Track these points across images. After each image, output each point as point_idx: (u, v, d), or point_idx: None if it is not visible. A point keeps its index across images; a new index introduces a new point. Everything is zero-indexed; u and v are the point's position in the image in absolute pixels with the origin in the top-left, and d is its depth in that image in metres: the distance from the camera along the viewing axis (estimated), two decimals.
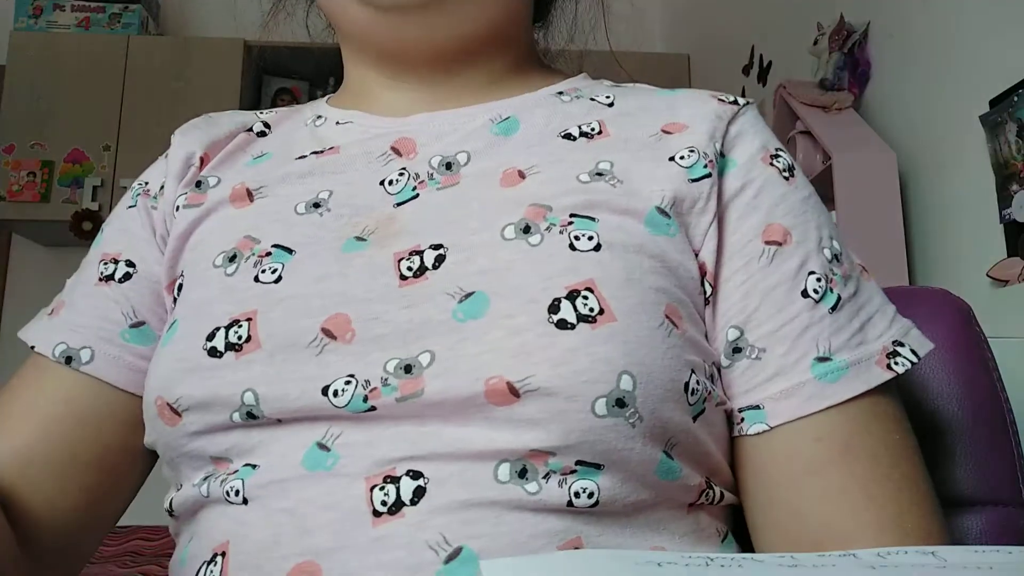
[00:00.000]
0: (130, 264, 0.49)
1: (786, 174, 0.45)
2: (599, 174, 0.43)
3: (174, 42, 2.74)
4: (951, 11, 1.61)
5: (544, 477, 0.36)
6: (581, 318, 0.36)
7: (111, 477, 0.47)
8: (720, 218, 0.43)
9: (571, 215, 0.41)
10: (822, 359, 0.40)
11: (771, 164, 0.45)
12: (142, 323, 0.48)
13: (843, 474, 0.39)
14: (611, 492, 0.37)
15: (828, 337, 0.40)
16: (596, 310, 0.37)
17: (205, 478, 0.41)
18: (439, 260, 0.40)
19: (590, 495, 0.36)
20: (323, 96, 0.56)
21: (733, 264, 0.42)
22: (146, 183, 0.53)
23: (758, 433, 0.40)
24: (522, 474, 0.36)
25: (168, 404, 0.41)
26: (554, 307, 0.37)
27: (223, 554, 0.38)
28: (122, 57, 2.61)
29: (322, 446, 0.38)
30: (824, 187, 1.76)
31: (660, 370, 0.37)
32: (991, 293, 1.48)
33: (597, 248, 0.39)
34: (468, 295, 0.38)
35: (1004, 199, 1.47)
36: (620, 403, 0.36)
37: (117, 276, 0.49)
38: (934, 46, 1.66)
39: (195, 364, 0.40)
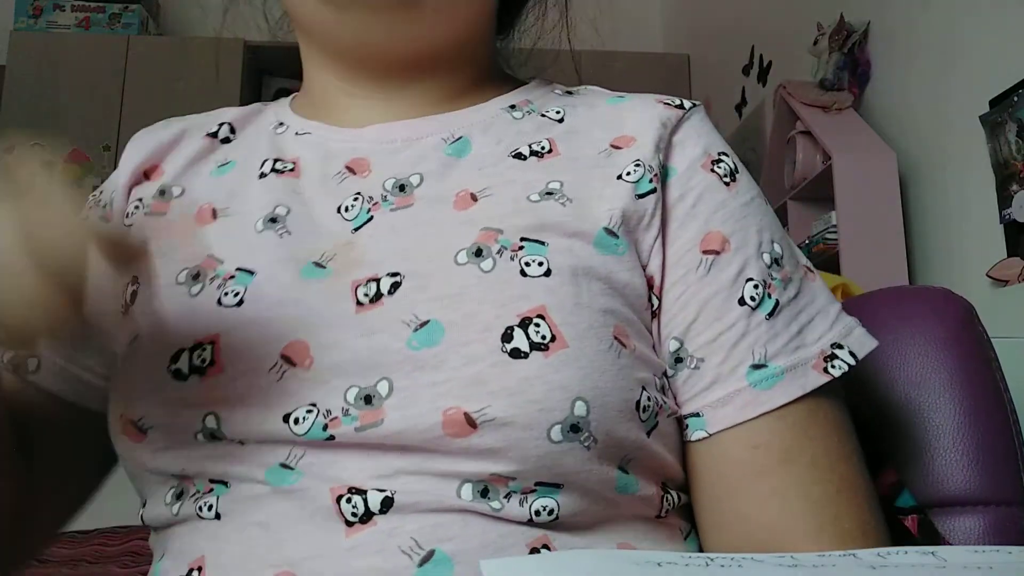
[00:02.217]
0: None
1: (726, 179, 0.45)
2: (549, 193, 0.43)
3: (174, 42, 2.74)
4: (951, 11, 1.61)
5: (505, 496, 0.37)
6: (534, 346, 0.37)
7: (67, 489, 0.49)
8: (663, 230, 0.43)
9: (522, 239, 0.41)
10: (757, 366, 0.41)
11: (712, 170, 0.45)
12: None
13: (782, 478, 0.40)
14: (571, 508, 0.38)
15: (764, 344, 0.41)
16: (548, 337, 0.38)
17: (177, 496, 0.41)
18: (395, 287, 0.40)
19: (550, 512, 0.37)
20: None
21: (673, 275, 0.43)
22: (100, 192, 0.53)
23: (700, 439, 0.41)
24: (484, 493, 0.37)
25: (132, 421, 0.41)
26: (507, 335, 0.37)
27: (199, 568, 0.39)
28: (122, 57, 2.61)
29: (285, 466, 0.38)
30: (824, 187, 1.76)
31: (612, 391, 0.38)
32: (991, 293, 1.48)
33: (547, 274, 0.40)
34: (423, 323, 0.38)
35: (1004, 199, 1.47)
36: (575, 428, 0.37)
37: None
38: (934, 46, 1.66)
39: (159, 384, 0.40)
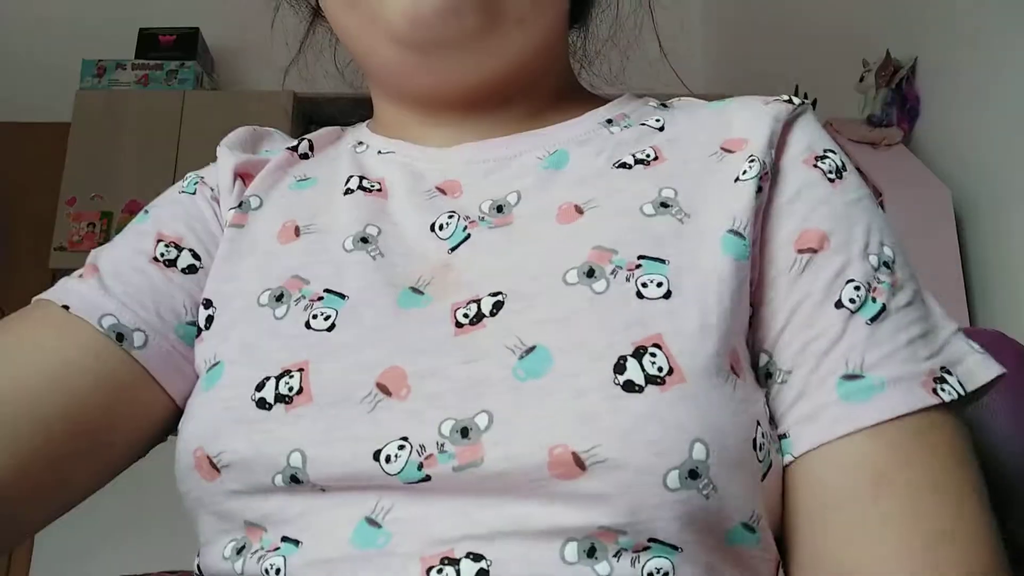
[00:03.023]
0: (195, 256, 0.46)
1: (831, 175, 0.41)
2: (664, 204, 0.40)
3: (227, 96, 2.85)
4: (999, 43, 1.58)
5: (615, 556, 0.33)
6: (649, 379, 0.34)
7: (92, 455, 0.42)
8: (761, 232, 0.40)
9: (639, 256, 0.38)
10: (851, 376, 0.35)
11: (815, 166, 0.41)
12: (195, 323, 0.45)
13: (871, 510, 0.34)
14: (688, 572, 0.34)
15: (862, 352, 0.36)
16: (665, 369, 0.34)
17: (239, 550, 0.38)
18: (497, 306, 0.37)
19: (665, 575, 0.33)
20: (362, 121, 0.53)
21: (766, 280, 0.39)
22: (201, 177, 0.50)
23: (787, 465, 0.36)
24: (591, 553, 0.33)
25: (208, 457, 0.38)
26: (620, 366, 0.34)
27: None
28: (178, 111, 2.72)
29: (372, 522, 0.35)
30: None
31: (731, 432, 0.34)
32: None
33: (667, 295, 0.36)
34: (529, 350, 0.35)
35: None
36: (693, 474, 0.33)
37: (181, 265, 0.46)
38: (984, 79, 1.63)
39: (242, 415, 0.38)
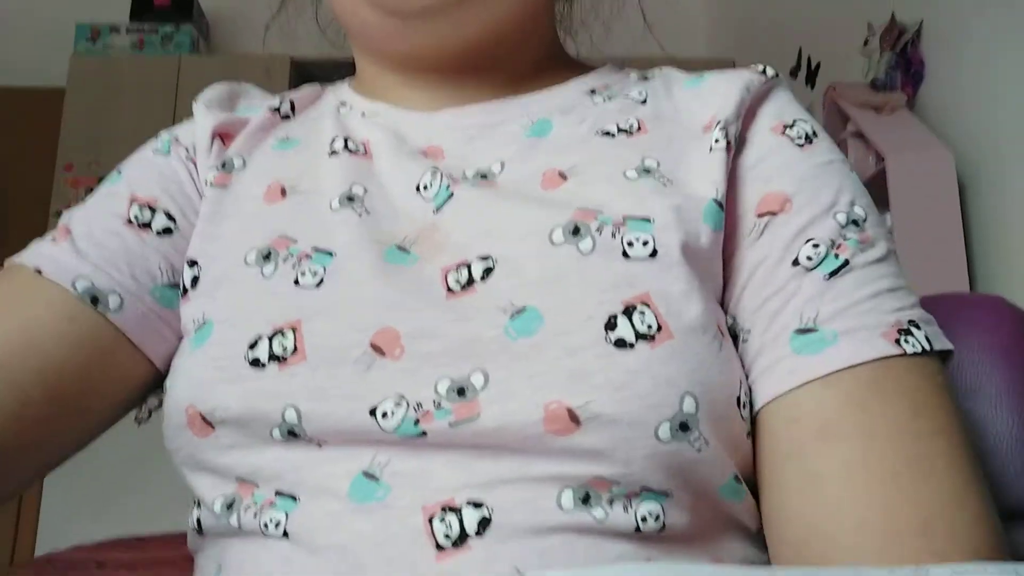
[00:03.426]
0: (170, 217, 0.46)
1: (799, 141, 0.41)
2: (646, 171, 0.40)
3: (223, 60, 2.81)
4: (1005, 7, 1.56)
5: (608, 502, 0.34)
6: (640, 336, 0.34)
7: (69, 419, 0.42)
8: (727, 199, 0.40)
9: (624, 216, 0.38)
10: (804, 330, 0.36)
11: (783, 134, 0.41)
12: (172, 285, 0.45)
13: (818, 459, 0.34)
14: (678, 515, 0.35)
15: (817, 306, 0.36)
16: (654, 327, 0.35)
17: (229, 505, 0.38)
18: (487, 272, 0.38)
19: (656, 518, 0.34)
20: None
21: (729, 245, 0.39)
22: (176, 137, 0.49)
23: (753, 419, 0.37)
24: (585, 500, 0.34)
25: (200, 414, 0.38)
26: (611, 324, 0.35)
27: None
28: (174, 76, 2.69)
29: (369, 475, 0.35)
30: (878, 190, 1.71)
31: (718, 387, 0.35)
32: None
33: (653, 254, 0.37)
34: (520, 310, 0.36)
35: None
36: (684, 426, 0.34)
37: (156, 227, 0.45)
38: (990, 43, 1.61)
39: (235, 374, 0.38)
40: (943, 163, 1.67)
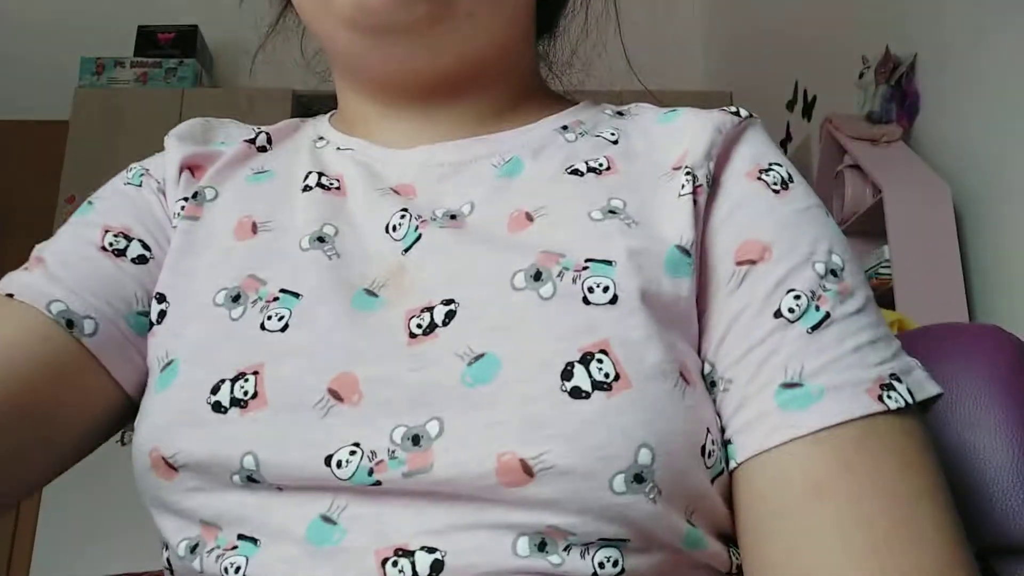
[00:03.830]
0: (145, 246, 0.45)
1: (776, 187, 0.41)
2: (612, 211, 0.40)
3: (226, 93, 2.85)
4: (998, 39, 1.58)
5: (564, 549, 0.34)
6: (596, 385, 0.34)
7: (39, 437, 0.41)
8: (701, 244, 0.40)
9: (586, 259, 0.38)
10: (789, 385, 0.36)
11: (759, 179, 0.41)
12: (146, 313, 0.44)
13: (812, 519, 0.34)
14: (637, 560, 0.34)
15: (801, 360, 0.36)
16: (612, 375, 0.34)
17: (192, 548, 0.38)
18: (449, 316, 0.37)
19: (615, 563, 0.34)
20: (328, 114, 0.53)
21: (706, 292, 0.39)
22: (147, 169, 0.49)
23: (732, 471, 0.37)
24: (541, 547, 0.34)
25: (164, 458, 0.38)
26: (567, 373, 0.34)
27: None
28: (177, 109, 2.72)
29: (327, 519, 0.35)
30: (875, 221, 1.72)
31: (678, 437, 0.34)
32: None
33: (613, 300, 0.36)
34: (478, 356, 0.35)
35: None
36: (638, 478, 0.33)
37: (131, 254, 0.45)
38: (985, 75, 1.63)
39: (198, 417, 0.37)
40: (940, 195, 1.68)
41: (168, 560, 0.41)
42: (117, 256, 0.45)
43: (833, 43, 2.30)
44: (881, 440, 0.35)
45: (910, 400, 0.36)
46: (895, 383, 0.36)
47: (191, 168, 0.48)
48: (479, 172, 0.44)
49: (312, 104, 2.76)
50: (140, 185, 0.48)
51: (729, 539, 0.38)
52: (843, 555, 0.33)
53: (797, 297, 0.37)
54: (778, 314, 0.37)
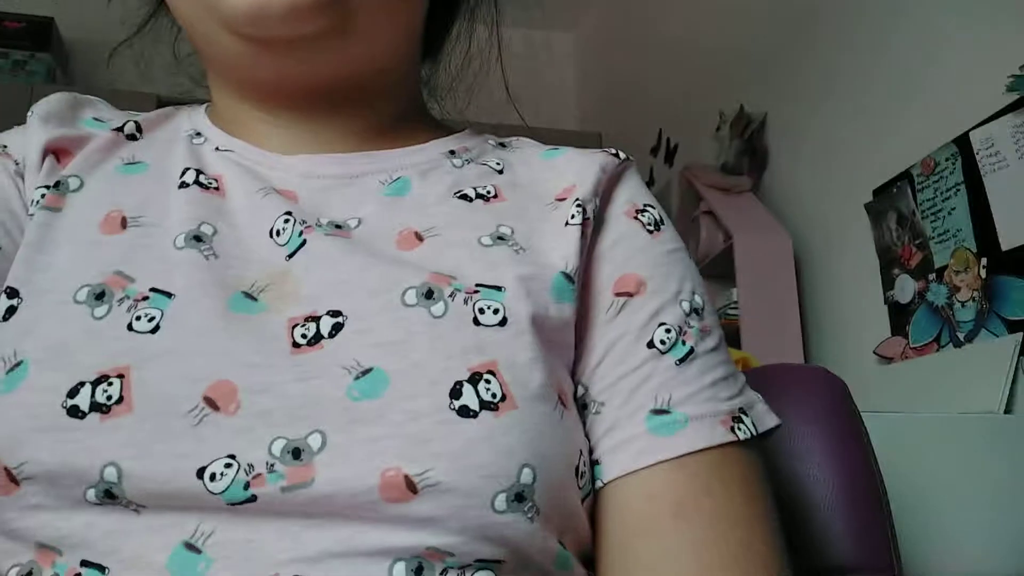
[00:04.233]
0: None
1: (650, 228, 0.44)
2: (500, 238, 0.41)
3: (83, 93, 2.67)
4: (842, 105, 1.75)
5: (442, 573, 0.33)
6: (484, 405, 0.34)
7: None
8: (584, 276, 0.41)
9: (477, 284, 0.38)
10: (659, 411, 0.38)
11: (635, 218, 0.44)
12: None
13: (674, 536, 0.36)
14: None
15: (670, 389, 0.38)
16: (499, 396, 0.35)
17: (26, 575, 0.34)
18: (336, 328, 0.36)
19: None
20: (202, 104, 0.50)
21: (585, 319, 0.41)
22: (4, 146, 0.45)
23: (598, 489, 0.38)
24: (418, 572, 0.33)
25: (7, 469, 0.33)
26: (456, 391, 0.34)
27: None
28: (25, 106, 2.52)
29: (191, 547, 0.32)
30: (726, 264, 1.85)
31: (556, 458, 0.35)
32: (878, 370, 1.57)
33: (502, 323, 0.37)
34: (366, 371, 0.35)
35: (887, 282, 1.57)
36: (519, 497, 0.34)
37: None
38: (825, 138, 1.79)
39: (50, 423, 0.33)
40: (782, 244, 1.82)
41: None
42: None
43: (695, 97, 2.45)
44: (731, 468, 0.38)
45: (755, 432, 0.39)
46: (743, 416, 0.39)
47: (56, 152, 0.44)
48: (366, 187, 0.44)
49: None
50: None
51: (588, 563, 0.39)
52: (698, 571, 0.35)
53: (668, 331, 0.40)
54: (651, 344, 0.39)
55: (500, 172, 0.46)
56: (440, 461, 0.33)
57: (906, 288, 1.53)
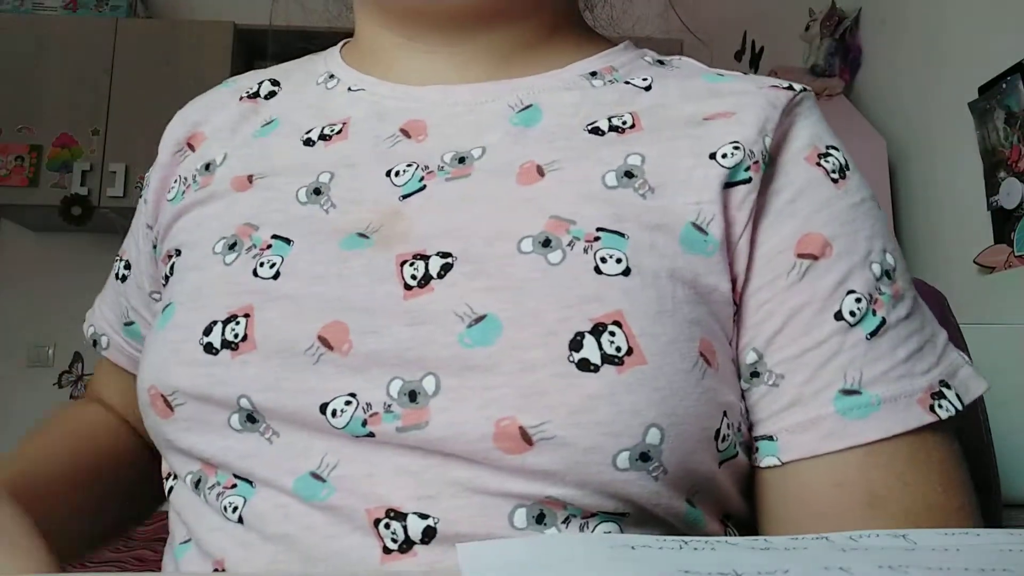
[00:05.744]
0: (127, 266, 0.52)
1: (835, 175, 0.39)
2: (628, 174, 0.38)
3: (163, 25, 2.72)
4: None
5: (564, 522, 0.33)
6: (606, 359, 0.32)
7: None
8: (754, 226, 0.38)
9: (598, 228, 0.36)
10: (849, 391, 0.35)
11: (818, 164, 0.39)
12: (132, 323, 0.52)
13: (865, 526, 0.34)
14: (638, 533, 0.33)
15: (860, 367, 0.35)
16: (624, 349, 0.33)
17: (195, 483, 0.39)
18: (445, 268, 0.36)
19: None
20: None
21: (759, 279, 0.37)
22: (147, 176, 0.51)
23: (770, 467, 0.36)
24: (540, 519, 0.33)
25: (162, 395, 0.38)
26: (576, 343, 0.33)
27: (223, 570, 0.36)
28: (111, 40, 2.59)
29: (316, 476, 0.35)
30: None
31: (692, 419, 0.33)
32: (978, 280, 1.49)
33: (626, 272, 0.35)
34: (479, 318, 0.34)
35: (992, 186, 1.47)
36: (644, 457, 0.32)
37: (120, 275, 0.53)
38: (925, 33, 1.66)
39: (191, 358, 0.38)
40: (876, 149, 1.73)
41: (171, 489, 0.41)
42: (118, 279, 0.53)
43: None
44: (929, 453, 0.35)
45: (959, 407, 0.36)
46: (944, 390, 0.36)
47: (189, 143, 0.49)
48: (495, 112, 0.42)
49: (255, 39, 2.66)
50: (140, 199, 0.52)
51: (728, 520, 0.38)
52: None
53: (858, 300, 0.37)
54: (839, 316, 0.36)
55: (647, 88, 0.43)
56: (557, 414, 0.32)
57: (1013, 192, 1.43)
